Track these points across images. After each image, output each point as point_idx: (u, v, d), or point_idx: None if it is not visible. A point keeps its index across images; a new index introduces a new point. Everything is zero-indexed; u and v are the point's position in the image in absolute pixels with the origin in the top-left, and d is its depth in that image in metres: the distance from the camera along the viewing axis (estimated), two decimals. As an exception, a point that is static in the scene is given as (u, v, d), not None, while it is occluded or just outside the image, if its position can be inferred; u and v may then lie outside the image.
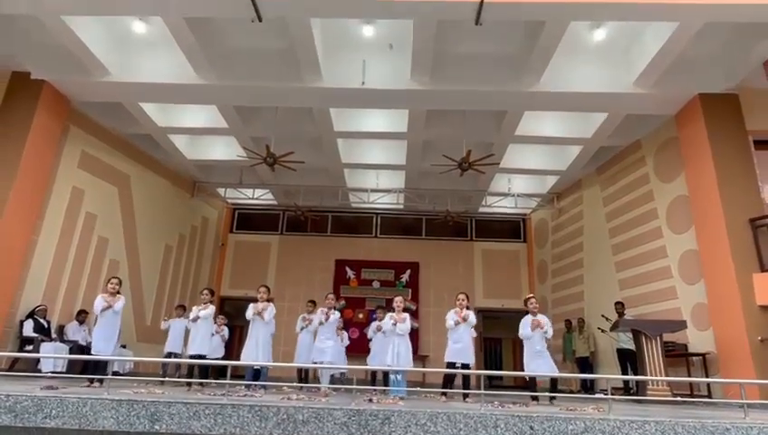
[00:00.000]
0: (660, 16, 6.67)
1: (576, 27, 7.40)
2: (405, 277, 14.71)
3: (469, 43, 7.89)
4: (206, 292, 7.23)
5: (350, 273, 14.81)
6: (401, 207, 14.33)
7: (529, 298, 6.80)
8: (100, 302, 6.15)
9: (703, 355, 7.62)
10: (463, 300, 6.78)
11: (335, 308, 7.71)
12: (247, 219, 15.89)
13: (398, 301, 7.02)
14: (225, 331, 8.70)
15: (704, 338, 7.75)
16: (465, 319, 6.63)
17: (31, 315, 8.24)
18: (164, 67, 8.34)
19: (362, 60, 8.15)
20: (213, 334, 7.80)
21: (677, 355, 7.99)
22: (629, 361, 8.84)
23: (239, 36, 8.10)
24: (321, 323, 7.32)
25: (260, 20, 6.61)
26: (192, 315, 6.97)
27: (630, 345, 8.11)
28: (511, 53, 8.00)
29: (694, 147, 8.23)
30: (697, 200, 8.13)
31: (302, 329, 8.08)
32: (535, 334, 6.50)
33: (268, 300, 7.17)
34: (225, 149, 11.91)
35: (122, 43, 8.27)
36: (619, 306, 9.30)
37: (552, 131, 10.17)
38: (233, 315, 12.97)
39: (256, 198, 14.47)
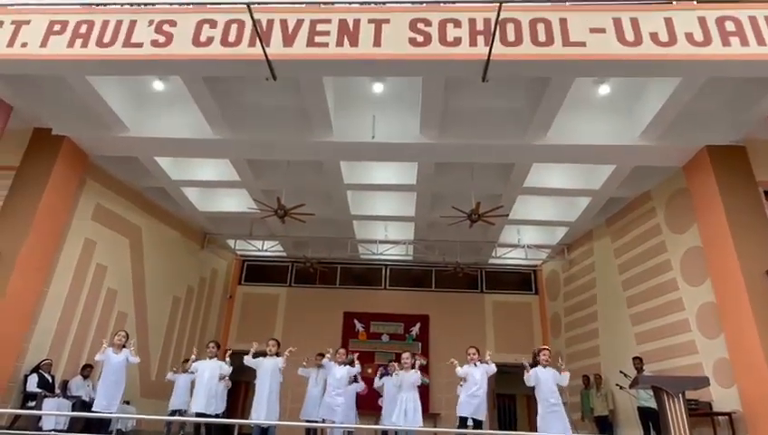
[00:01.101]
0: (664, 72, 6.83)
1: (581, 81, 7.58)
2: (415, 331, 14.43)
3: (477, 97, 8.10)
4: (211, 345, 7.13)
5: (358, 326, 14.57)
6: (410, 258, 14.28)
7: (541, 350, 6.61)
8: (109, 353, 6.05)
9: (729, 414, 7.27)
10: (474, 354, 6.61)
11: (345, 363, 7.54)
12: (256, 271, 15.87)
13: (406, 357, 6.85)
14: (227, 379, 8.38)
15: (728, 396, 7.42)
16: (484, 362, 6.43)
17: (36, 370, 8.10)
18: (180, 123, 8.60)
19: (372, 115, 8.36)
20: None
21: (702, 414, 7.63)
22: (651, 420, 8.46)
23: (253, 93, 8.39)
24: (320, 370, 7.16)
25: (275, 79, 6.85)
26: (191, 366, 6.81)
27: (651, 403, 7.78)
28: (518, 107, 8.18)
29: (704, 198, 8.21)
30: (712, 252, 8.01)
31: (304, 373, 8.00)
32: (547, 385, 6.24)
33: (277, 354, 7.04)
34: (236, 202, 12.06)
35: (141, 99, 8.58)
36: (638, 362, 9.00)
37: (560, 183, 10.23)
38: (239, 370, 12.66)
39: (266, 250, 14.50)
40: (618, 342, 10.56)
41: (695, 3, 6.81)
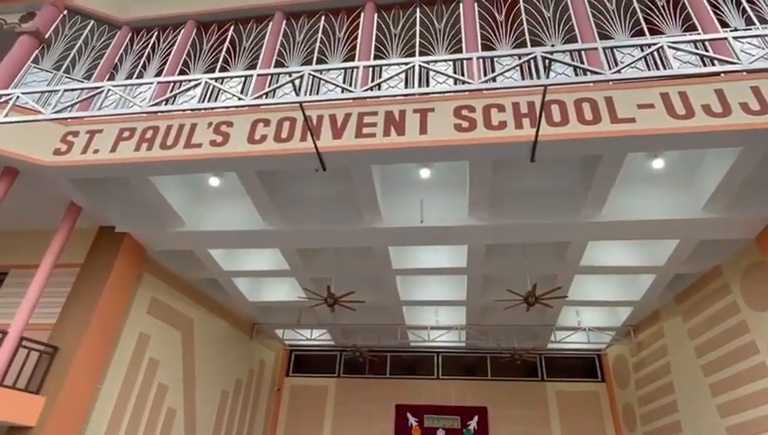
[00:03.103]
0: (721, 143, 6.58)
1: (634, 156, 7.41)
2: (473, 424, 13.43)
3: (526, 177, 8.03)
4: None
5: (411, 420, 13.72)
6: (463, 344, 13.66)
7: None
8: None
9: None
10: None
11: None
12: (304, 361, 15.53)
13: None
14: None
15: None
16: None
17: (84, 472, 7.90)
18: (233, 215, 8.90)
19: (420, 199, 8.38)
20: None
21: None
22: None
23: (303, 184, 8.65)
24: None
25: (324, 169, 7.06)
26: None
27: None
28: (569, 185, 8.01)
29: (786, 271, 7.54)
30: (805, 331, 7.20)
31: None
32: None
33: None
34: (285, 291, 12.09)
35: (197, 195, 9.01)
36: (735, 461, 7.88)
37: (620, 261, 9.72)
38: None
39: (314, 339, 14.25)
40: (706, 437, 9.37)
41: (744, 74, 6.68)
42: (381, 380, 14.63)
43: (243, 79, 8.82)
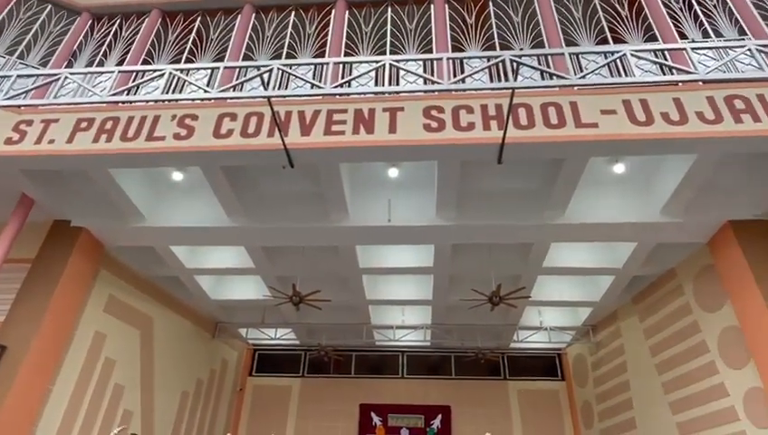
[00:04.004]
0: (678, 150, 6.84)
1: (596, 161, 7.60)
2: (436, 423, 13.54)
3: (493, 179, 8.13)
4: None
5: (375, 419, 13.73)
6: (428, 344, 13.75)
7: None
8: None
9: None
10: None
11: None
12: (268, 361, 15.32)
13: None
14: None
15: (794, 496, 6.64)
16: None
17: (33, 477, 7.54)
18: (197, 211, 8.67)
19: (388, 199, 8.38)
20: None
21: None
22: None
23: (269, 180, 8.51)
24: None
25: (292, 167, 6.96)
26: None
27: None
28: (534, 187, 8.17)
29: (734, 274, 7.90)
30: (751, 332, 7.55)
31: None
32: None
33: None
34: (249, 289, 11.89)
35: (159, 190, 8.73)
36: (685, 456, 8.21)
37: (581, 262, 9.98)
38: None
39: (278, 338, 14.07)
40: (658, 433, 9.73)
41: (700, 84, 6.96)
42: (346, 379, 14.58)
43: (209, 71, 8.60)
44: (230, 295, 12.18)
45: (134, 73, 8.55)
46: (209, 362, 13.23)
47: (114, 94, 7.11)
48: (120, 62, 9.27)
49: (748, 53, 5.88)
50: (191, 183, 8.53)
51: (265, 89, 5.83)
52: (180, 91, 8.53)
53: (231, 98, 7.18)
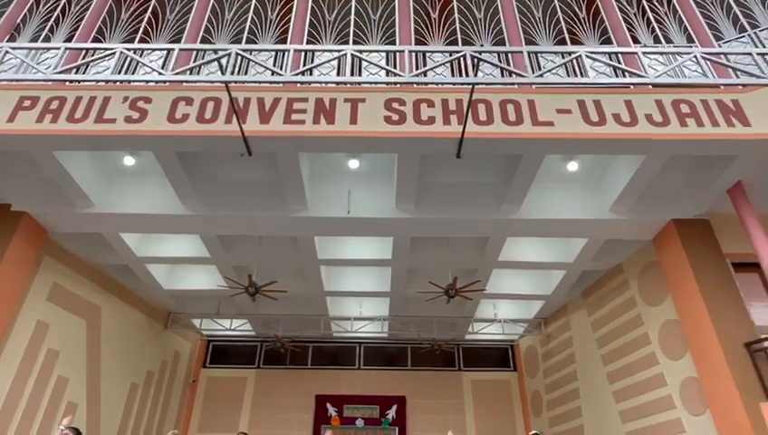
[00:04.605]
0: (627, 150, 7.12)
1: (552, 158, 7.82)
2: (391, 414, 13.68)
3: (452, 173, 8.22)
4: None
5: (331, 410, 13.74)
6: (386, 335, 13.84)
7: None
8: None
9: (724, 499, 6.91)
10: None
11: None
12: (222, 352, 15.03)
13: None
14: None
15: (722, 478, 7.10)
16: None
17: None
18: (150, 198, 8.37)
19: (347, 190, 8.35)
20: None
21: (697, 500, 7.24)
22: (645, 508, 7.97)
23: (226, 168, 8.31)
24: None
25: (250, 155, 6.83)
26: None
27: (644, 489, 7.35)
28: (492, 182, 8.32)
29: (675, 271, 8.32)
30: (688, 325, 7.99)
31: None
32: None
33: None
34: (203, 279, 11.61)
35: (109, 175, 8.38)
36: (625, 442, 8.63)
37: (534, 257, 10.28)
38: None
39: (233, 329, 13.82)
40: (603, 421, 10.19)
41: (650, 87, 7.26)
42: (302, 370, 14.51)
43: (164, 53, 8.29)
44: (184, 285, 11.86)
45: (83, 51, 8.15)
46: (161, 353, 12.87)
47: (61, 72, 6.74)
48: (69, 39, 8.80)
49: (694, 59, 6.16)
50: (144, 168, 8.23)
51: (223, 73, 5.67)
52: (133, 73, 8.22)
53: (187, 81, 6.97)
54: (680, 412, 8.10)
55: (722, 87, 7.24)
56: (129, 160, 8.10)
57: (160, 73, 5.82)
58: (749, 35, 8.55)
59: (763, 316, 7.73)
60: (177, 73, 5.73)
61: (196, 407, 14.04)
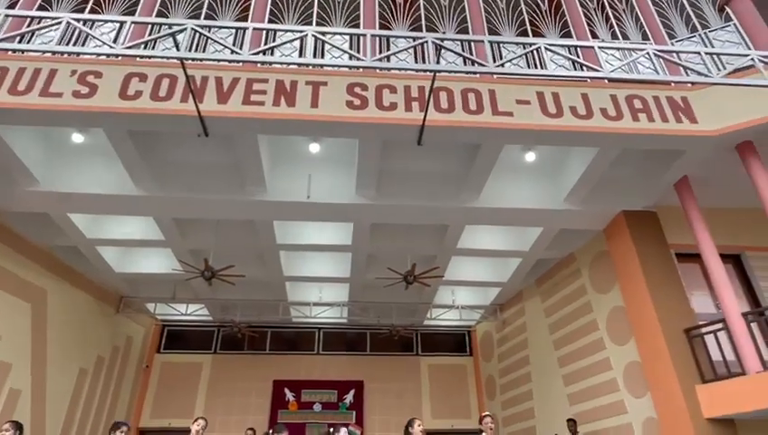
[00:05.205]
0: (582, 142, 7.33)
1: (510, 148, 7.96)
2: (348, 398, 13.78)
3: (412, 160, 8.25)
4: (124, 428, 6.27)
5: (289, 395, 13.71)
6: (345, 321, 13.87)
7: (484, 416, 6.44)
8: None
9: (660, 475, 7.35)
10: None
11: None
12: (177, 337, 14.70)
13: (344, 433, 6.46)
14: None
15: (659, 456, 7.54)
16: None
17: None
18: (100, 177, 8.03)
19: (308, 174, 8.26)
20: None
21: (635, 476, 7.66)
22: (588, 484, 8.37)
23: (182, 149, 8.05)
24: None
25: (206, 135, 6.64)
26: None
27: (588, 467, 7.72)
28: (452, 170, 8.40)
29: (623, 260, 8.68)
30: (633, 312, 8.38)
31: None
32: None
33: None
34: (158, 262, 11.29)
35: (55, 152, 7.98)
36: (572, 424, 9.02)
37: (492, 244, 10.49)
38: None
39: (189, 314, 13.53)
40: (552, 403, 10.60)
41: (606, 82, 7.48)
42: (260, 356, 14.39)
43: (117, 26, 7.90)
44: (137, 269, 11.49)
45: (28, 19, 7.67)
46: (111, 338, 12.47)
47: (2, 41, 6.32)
48: (12, 6, 8.26)
49: (647, 56, 6.37)
50: (94, 146, 7.87)
51: (178, 50, 5.46)
52: (83, 45, 7.81)
53: (140, 56, 6.65)
54: (623, 395, 8.52)
55: (673, 84, 7.55)
56: (77, 137, 7.73)
57: (111, 47, 5.54)
58: (699, 35, 8.90)
59: (702, 305, 8.21)
60: (129, 48, 5.47)
61: (149, 393, 13.73)
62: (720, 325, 7.14)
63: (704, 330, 7.42)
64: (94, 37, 6.34)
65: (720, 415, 6.78)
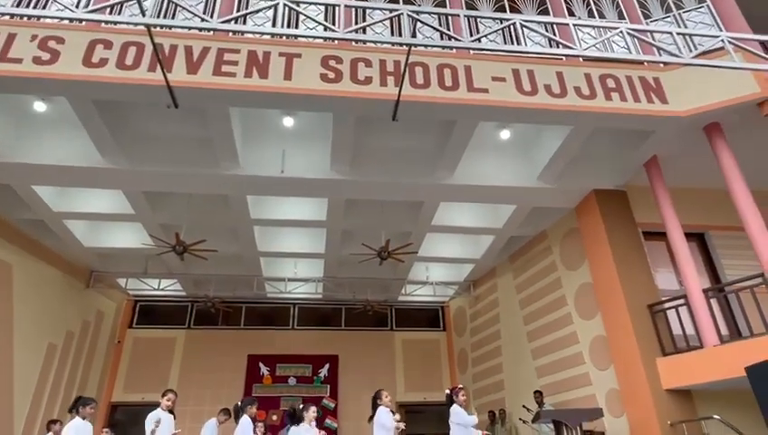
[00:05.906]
0: (556, 121, 7.39)
1: (485, 125, 7.97)
2: (323, 372, 13.92)
3: (387, 136, 8.20)
4: (93, 404, 6.21)
5: (263, 369, 13.77)
6: (320, 296, 13.92)
7: (459, 389, 6.58)
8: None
9: (620, 442, 7.68)
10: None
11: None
12: (150, 313, 14.54)
13: (312, 412, 6.55)
14: None
15: (619, 425, 7.86)
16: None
17: None
18: (65, 149, 7.77)
19: (282, 149, 8.15)
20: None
21: (597, 443, 8.00)
22: (553, 452, 8.69)
23: (152, 120, 7.84)
24: None
25: (176, 106, 6.47)
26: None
27: (553, 436, 8.00)
28: (427, 147, 8.39)
29: (593, 237, 8.88)
30: (600, 288, 8.61)
31: None
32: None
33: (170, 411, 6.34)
34: (129, 237, 11.06)
35: (17, 121, 7.67)
36: (538, 395, 9.31)
37: (466, 221, 10.59)
38: (126, 423, 11.39)
39: (162, 289, 13.38)
40: (520, 376, 10.91)
41: (580, 60, 7.50)
42: (235, 331, 14.38)
43: (80, -11, 7.55)
44: (107, 243, 11.25)
45: (-17, -20, 7.26)
46: (81, 313, 12.26)
47: (-46, 1, 5.99)
48: (-34, -36, 7.80)
49: (621, 34, 6.40)
50: (58, 116, 7.61)
51: (143, 15, 5.25)
52: (44, 8, 7.45)
53: (105, 21, 6.43)
54: (588, 367, 8.81)
55: (646, 64, 7.63)
56: (39, 106, 7.44)
57: (72, 11, 5.30)
58: (674, 16, 8.96)
59: (666, 281, 8.49)
60: (92, 11, 5.24)
61: (121, 367, 13.62)
62: (682, 301, 7.41)
63: (666, 305, 7.69)
64: (56, 0, 6.08)
65: (678, 386, 7.09)
